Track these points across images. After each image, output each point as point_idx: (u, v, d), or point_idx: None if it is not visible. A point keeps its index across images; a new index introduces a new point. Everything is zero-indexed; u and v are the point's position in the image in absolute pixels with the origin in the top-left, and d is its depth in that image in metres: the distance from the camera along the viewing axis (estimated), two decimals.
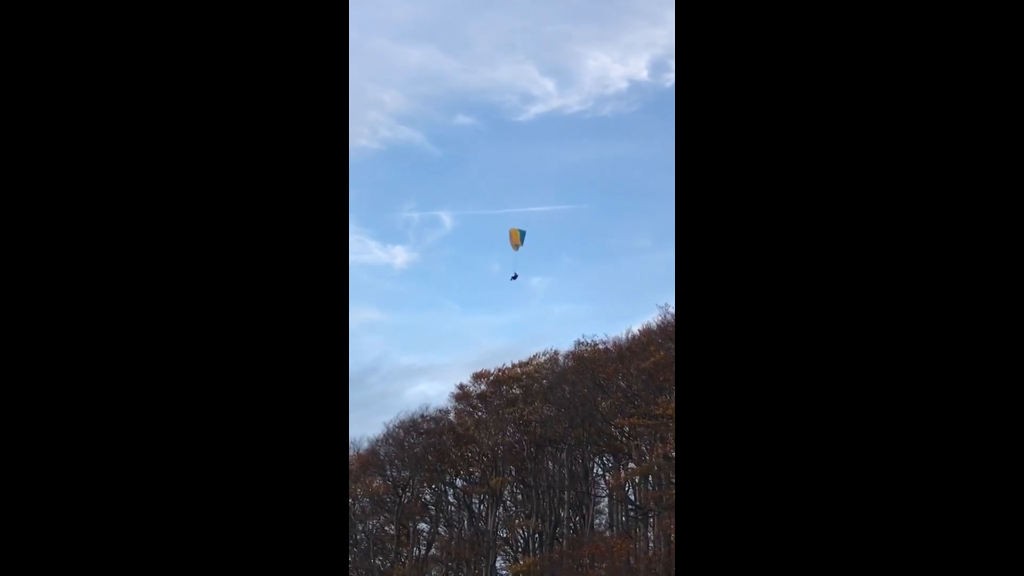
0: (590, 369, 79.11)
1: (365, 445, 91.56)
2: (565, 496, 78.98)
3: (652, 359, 73.09)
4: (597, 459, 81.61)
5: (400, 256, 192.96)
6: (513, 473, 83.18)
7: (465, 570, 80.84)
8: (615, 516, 76.73)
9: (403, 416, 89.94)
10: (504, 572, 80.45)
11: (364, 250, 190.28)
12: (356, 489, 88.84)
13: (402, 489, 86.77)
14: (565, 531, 78.66)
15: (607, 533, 74.53)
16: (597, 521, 78.93)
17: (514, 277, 67.29)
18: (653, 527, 69.90)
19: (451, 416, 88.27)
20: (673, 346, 61.28)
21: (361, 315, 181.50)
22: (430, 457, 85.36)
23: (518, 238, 64.00)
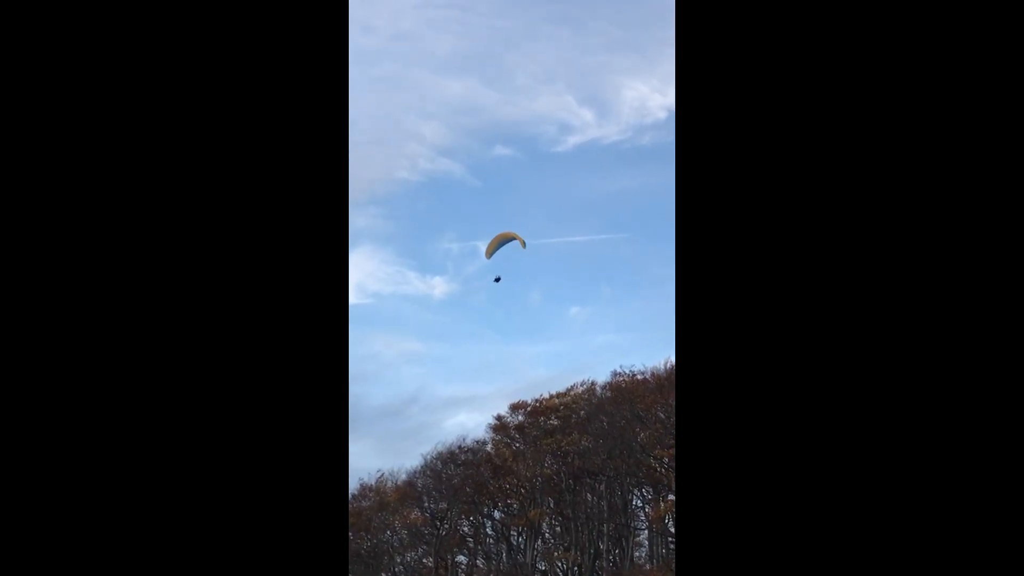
0: (628, 400, 78.48)
1: (403, 477, 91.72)
2: (604, 528, 78.19)
3: None
4: (636, 491, 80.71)
5: (439, 287, 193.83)
6: (551, 505, 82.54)
7: None
8: (655, 548, 75.68)
9: (441, 447, 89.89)
10: None
11: (403, 281, 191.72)
12: (394, 521, 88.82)
13: (440, 521, 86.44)
14: (605, 564, 77.76)
15: (647, 566, 73.51)
16: (637, 554, 77.98)
17: (497, 279, 65.75)
18: None
19: (489, 447, 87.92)
20: None
21: (401, 346, 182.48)
22: (468, 489, 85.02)
23: (495, 245, 59.38)
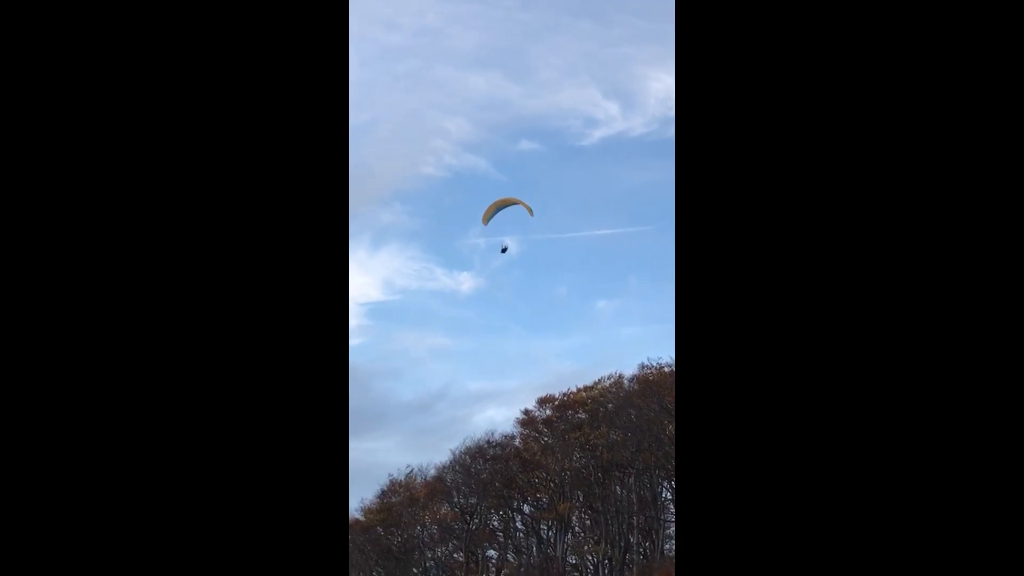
0: (656, 392, 78.18)
1: (432, 472, 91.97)
2: (634, 521, 78.08)
3: None
4: (666, 483, 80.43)
5: (466, 282, 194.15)
6: (581, 498, 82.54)
7: None
8: None
9: (469, 442, 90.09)
10: None
11: (431, 277, 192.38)
12: (425, 516, 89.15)
13: (470, 516, 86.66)
14: (635, 557, 77.65)
15: None
16: (667, 546, 77.71)
17: (504, 250, 63.61)
18: None
19: (517, 441, 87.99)
20: None
21: (429, 341, 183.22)
22: (497, 483, 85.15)
23: (493, 211, 55.04)
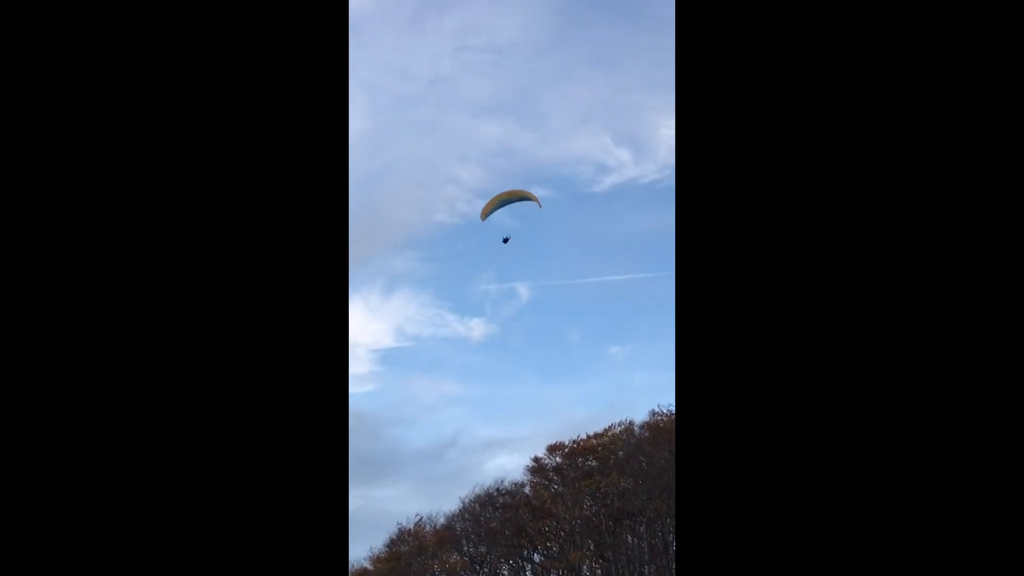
0: (666, 439, 77.56)
1: (441, 520, 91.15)
2: (645, 570, 77.06)
3: None
4: None
5: (478, 328, 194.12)
6: (591, 547, 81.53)
7: None
8: None
9: (479, 490, 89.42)
10: None
11: (442, 323, 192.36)
12: (434, 565, 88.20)
13: (479, 565, 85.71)
14: None
15: None
16: None
17: (506, 240, 61.14)
18: None
19: (527, 489, 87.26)
20: None
21: (440, 388, 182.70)
22: (507, 532, 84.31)
23: (495, 204, 50.28)
